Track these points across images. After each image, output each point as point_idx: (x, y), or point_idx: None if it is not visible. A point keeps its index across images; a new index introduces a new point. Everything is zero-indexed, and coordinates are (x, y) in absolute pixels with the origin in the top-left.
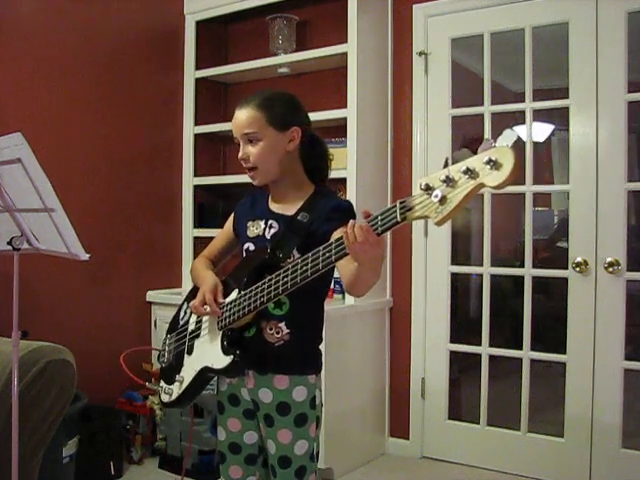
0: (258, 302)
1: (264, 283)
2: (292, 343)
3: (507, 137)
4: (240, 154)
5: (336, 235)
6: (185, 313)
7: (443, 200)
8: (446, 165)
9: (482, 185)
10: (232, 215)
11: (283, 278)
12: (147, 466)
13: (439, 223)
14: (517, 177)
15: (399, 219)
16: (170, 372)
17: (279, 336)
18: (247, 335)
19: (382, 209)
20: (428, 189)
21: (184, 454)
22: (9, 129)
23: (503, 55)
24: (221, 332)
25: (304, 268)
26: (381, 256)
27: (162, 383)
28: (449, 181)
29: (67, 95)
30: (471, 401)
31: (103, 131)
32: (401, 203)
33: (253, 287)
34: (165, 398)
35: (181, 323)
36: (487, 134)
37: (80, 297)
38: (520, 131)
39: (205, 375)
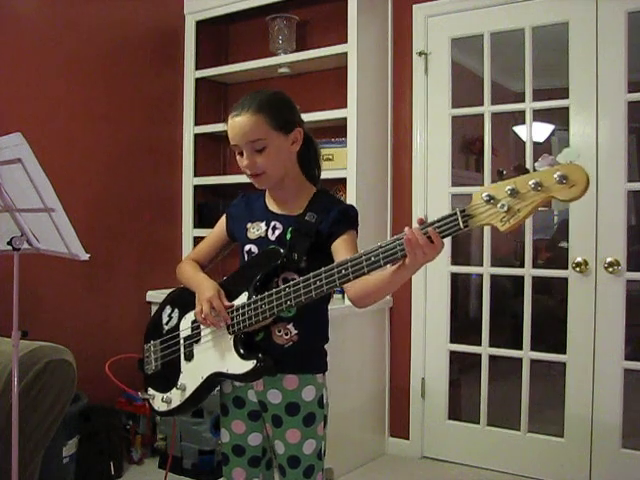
0: (284, 305)
1: (289, 287)
2: (300, 343)
3: (570, 154)
4: (245, 163)
5: (339, 243)
6: (170, 318)
7: (510, 210)
8: (501, 176)
9: (552, 198)
10: (224, 217)
11: (316, 282)
12: (147, 466)
13: (506, 230)
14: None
15: (462, 226)
16: (162, 380)
17: (288, 337)
18: (257, 339)
19: (440, 216)
20: (491, 199)
21: (184, 454)
22: (9, 129)
23: (503, 55)
24: (233, 336)
25: (344, 272)
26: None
27: (151, 391)
28: (515, 193)
29: (67, 95)
30: (471, 401)
31: (103, 131)
32: (462, 211)
33: (274, 290)
34: (162, 407)
35: (166, 328)
36: (487, 134)
37: (80, 297)
38: (520, 131)
39: (214, 381)
